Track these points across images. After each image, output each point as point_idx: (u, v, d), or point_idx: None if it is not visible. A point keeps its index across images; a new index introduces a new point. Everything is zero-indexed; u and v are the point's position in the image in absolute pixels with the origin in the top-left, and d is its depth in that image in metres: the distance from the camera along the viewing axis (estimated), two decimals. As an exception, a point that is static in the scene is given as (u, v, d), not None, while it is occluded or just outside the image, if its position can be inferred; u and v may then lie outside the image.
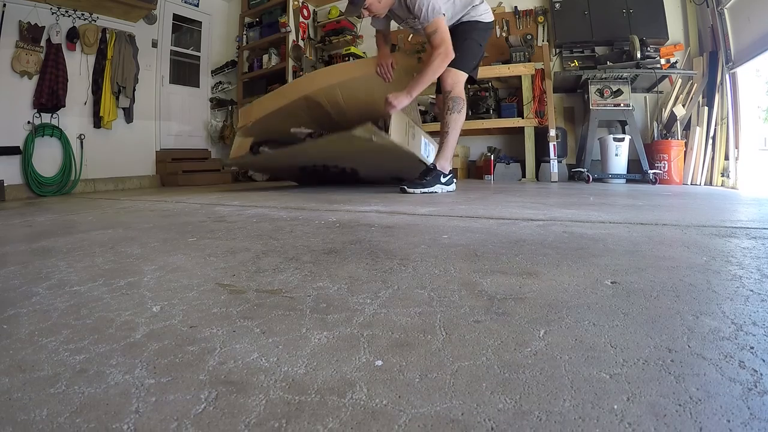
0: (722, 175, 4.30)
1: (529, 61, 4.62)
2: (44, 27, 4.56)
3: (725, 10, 4.31)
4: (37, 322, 0.66)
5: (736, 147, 4.20)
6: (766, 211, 1.77)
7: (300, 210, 1.91)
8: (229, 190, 3.55)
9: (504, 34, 5.01)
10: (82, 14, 4.83)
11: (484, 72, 4.77)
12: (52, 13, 4.64)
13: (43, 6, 4.53)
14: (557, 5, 4.75)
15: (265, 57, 5.69)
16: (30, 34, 4.48)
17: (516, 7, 5.00)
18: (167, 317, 0.67)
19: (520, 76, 4.60)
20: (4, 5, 4.26)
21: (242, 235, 1.33)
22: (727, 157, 4.30)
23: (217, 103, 5.96)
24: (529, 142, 4.61)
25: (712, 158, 4.39)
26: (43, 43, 4.56)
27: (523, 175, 4.70)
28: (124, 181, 4.96)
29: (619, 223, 1.42)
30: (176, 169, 5.04)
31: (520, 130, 4.66)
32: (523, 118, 4.61)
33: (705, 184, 4.28)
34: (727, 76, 4.36)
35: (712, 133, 4.38)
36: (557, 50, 4.89)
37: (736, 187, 3.98)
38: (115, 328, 0.63)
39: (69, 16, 4.77)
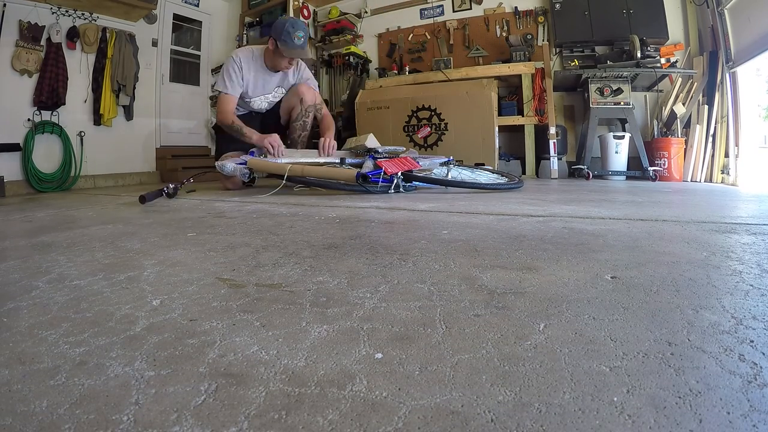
0: (722, 173, 4.30)
1: (530, 60, 4.62)
2: (44, 26, 4.54)
3: (725, 11, 4.32)
4: (37, 315, 0.66)
5: (736, 145, 4.20)
6: (766, 208, 1.77)
7: (300, 206, 1.91)
8: (230, 187, 3.54)
9: (504, 34, 5.01)
10: (82, 14, 4.82)
11: (484, 71, 4.78)
12: (53, 13, 4.63)
13: (43, 6, 4.52)
14: (557, 5, 4.74)
15: (265, 55, 5.70)
16: (30, 33, 4.47)
17: (516, 7, 5.00)
18: (167, 311, 0.66)
19: (521, 75, 4.60)
20: (5, 5, 4.25)
21: (242, 230, 1.33)
22: (727, 155, 4.30)
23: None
24: (529, 139, 4.62)
25: (712, 156, 4.39)
26: (43, 42, 4.55)
27: (523, 172, 4.71)
28: (125, 177, 4.96)
29: (619, 219, 1.42)
30: (176, 166, 5.05)
31: (521, 128, 4.67)
32: (523, 116, 4.62)
33: (705, 181, 4.28)
34: (727, 75, 4.36)
35: (712, 131, 4.37)
36: (557, 50, 4.89)
37: (737, 184, 3.98)
38: (114, 322, 0.63)
39: (69, 15, 4.76)
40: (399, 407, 0.40)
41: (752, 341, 0.52)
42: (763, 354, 0.48)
